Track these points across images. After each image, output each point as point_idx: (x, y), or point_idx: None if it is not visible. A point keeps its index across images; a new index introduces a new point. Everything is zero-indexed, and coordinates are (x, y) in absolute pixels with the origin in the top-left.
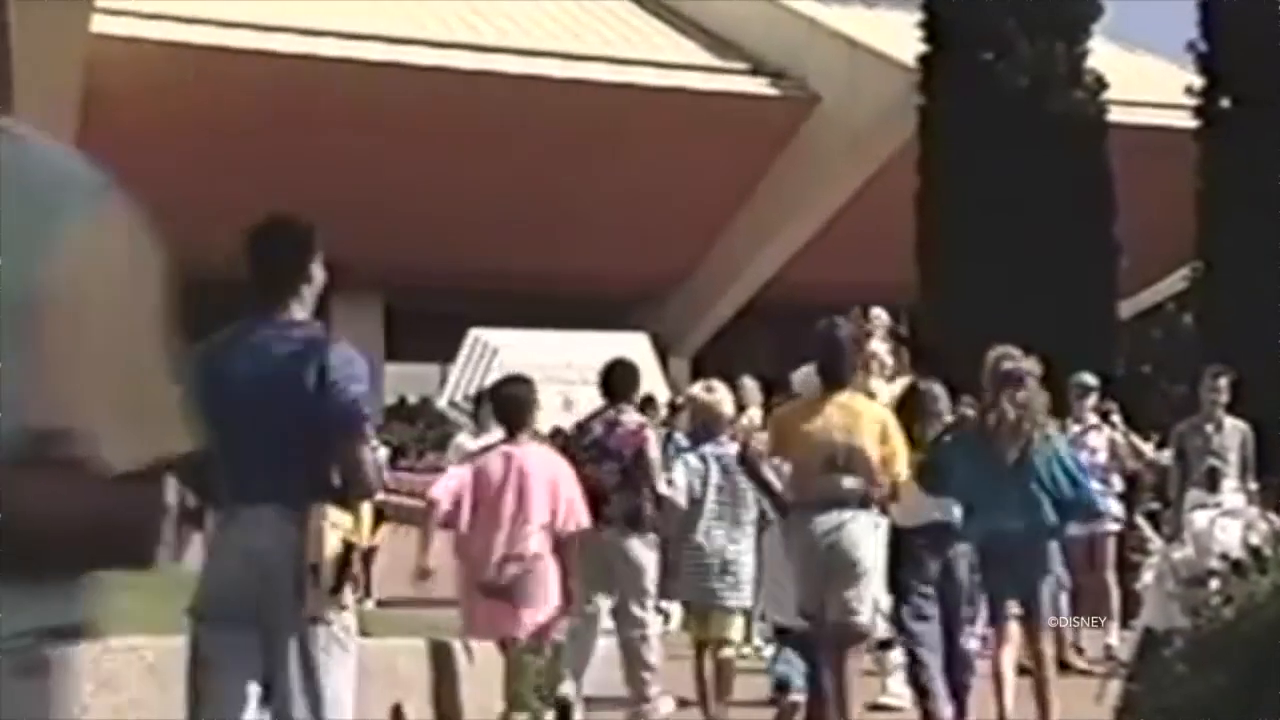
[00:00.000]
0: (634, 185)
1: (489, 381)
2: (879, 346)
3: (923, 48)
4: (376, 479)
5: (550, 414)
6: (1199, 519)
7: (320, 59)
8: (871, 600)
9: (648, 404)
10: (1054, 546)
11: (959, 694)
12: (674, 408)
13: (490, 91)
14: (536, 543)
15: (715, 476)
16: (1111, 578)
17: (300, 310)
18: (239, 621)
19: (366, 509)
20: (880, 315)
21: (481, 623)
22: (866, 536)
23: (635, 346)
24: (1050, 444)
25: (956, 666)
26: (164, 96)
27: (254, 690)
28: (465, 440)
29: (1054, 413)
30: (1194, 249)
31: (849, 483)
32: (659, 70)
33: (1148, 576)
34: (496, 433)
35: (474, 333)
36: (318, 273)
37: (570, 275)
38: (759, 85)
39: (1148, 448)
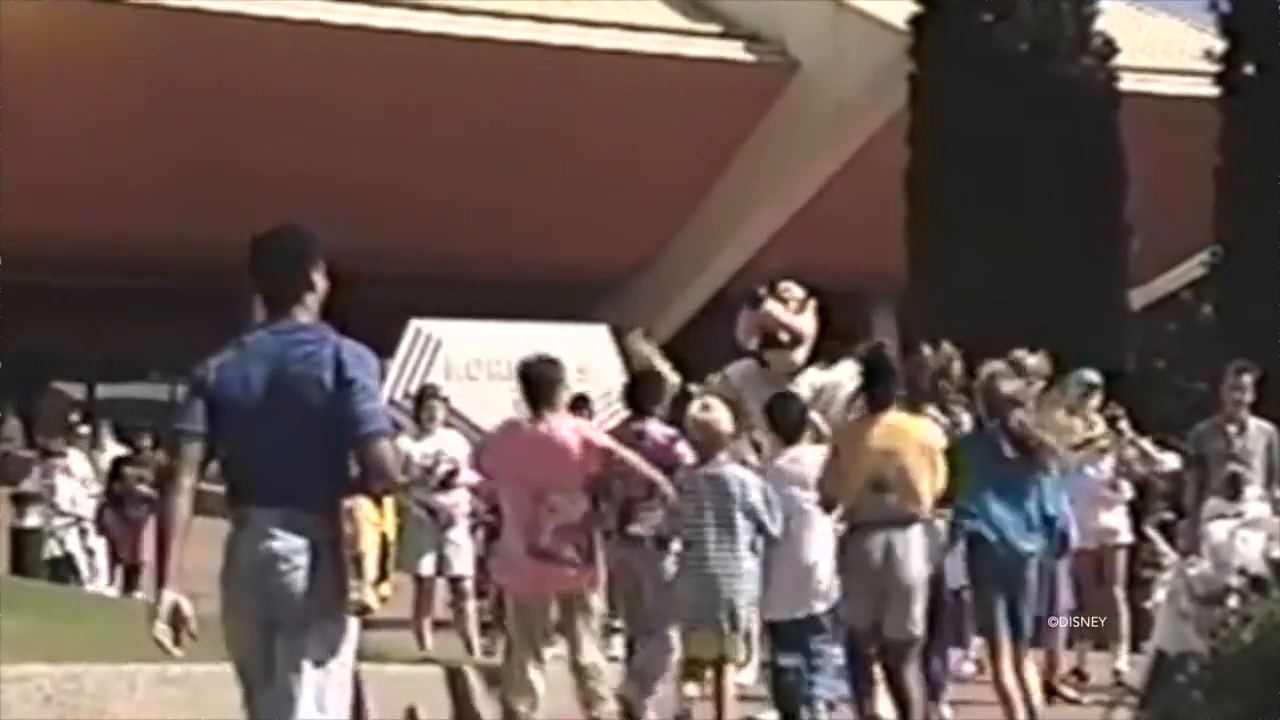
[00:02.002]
0: (592, 161)
1: (431, 378)
2: (796, 320)
3: (914, 8)
4: (397, 472)
5: (500, 415)
6: (1217, 530)
7: (248, 17)
8: (922, 611)
9: (580, 404)
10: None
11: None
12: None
13: (438, 55)
14: (582, 505)
15: (711, 498)
16: (1121, 595)
17: (305, 316)
18: (256, 622)
19: (389, 503)
20: (791, 288)
21: (529, 580)
22: (915, 555)
23: (594, 340)
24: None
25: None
26: (78, 56)
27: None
28: (406, 444)
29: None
30: (1213, 231)
31: (895, 503)
32: (618, 32)
33: (1160, 594)
34: (440, 434)
35: (415, 324)
36: (320, 280)
37: (523, 261)
38: (732, 50)
39: (1159, 452)
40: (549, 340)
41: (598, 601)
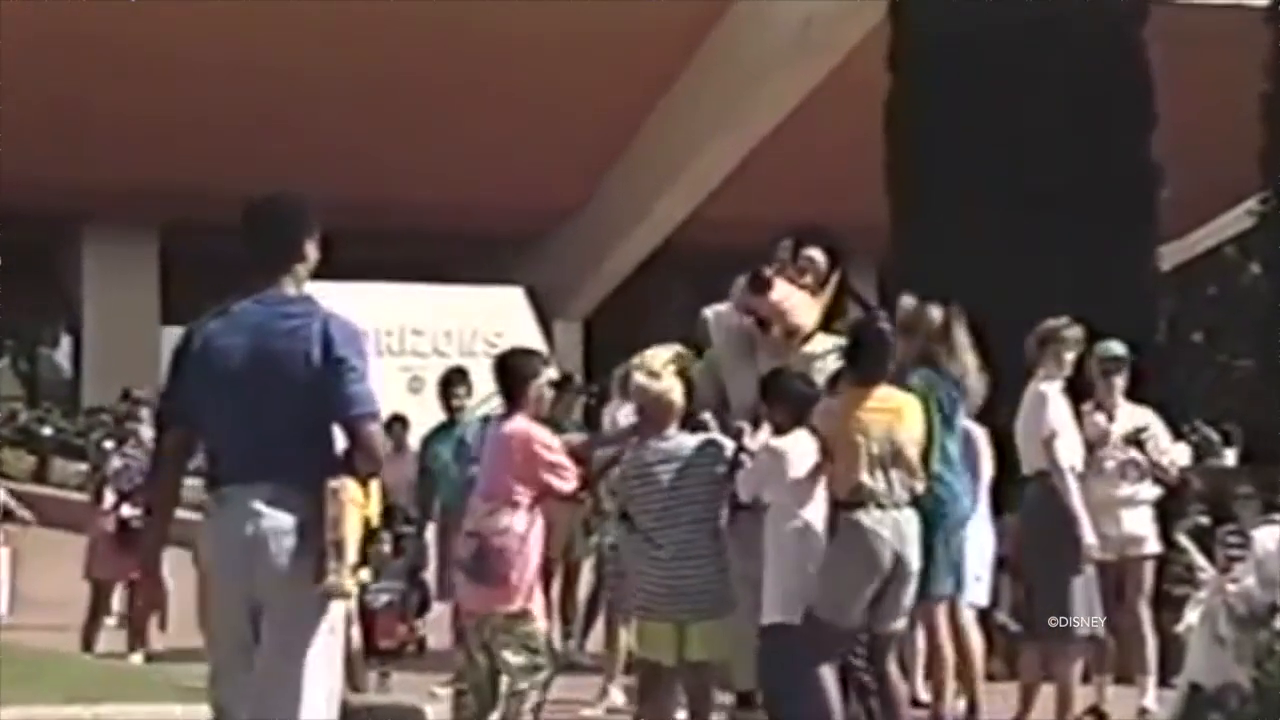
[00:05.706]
0: (505, 90)
1: None
2: (801, 317)
3: None
4: (382, 454)
5: (393, 397)
6: (1265, 537)
7: None
8: (911, 600)
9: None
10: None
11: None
12: (560, 385)
13: None
14: (505, 519)
15: (666, 476)
16: (1146, 617)
17: (293, 287)
18: (241, 603)
19: (375, 486)
20: (815, 258)
21: (460, 598)
22: (916, 536)
23: (509, 303)
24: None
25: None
26: None
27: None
28: None
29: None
30: (1261, 174)
31: (896, 482)
32: None
33: (1193, 616)
34: None
35: None
36: (312, 250)
37: (422, 209)
38: None
39: (1180, 451)
40: (450, 306)
41: (526, 629)
